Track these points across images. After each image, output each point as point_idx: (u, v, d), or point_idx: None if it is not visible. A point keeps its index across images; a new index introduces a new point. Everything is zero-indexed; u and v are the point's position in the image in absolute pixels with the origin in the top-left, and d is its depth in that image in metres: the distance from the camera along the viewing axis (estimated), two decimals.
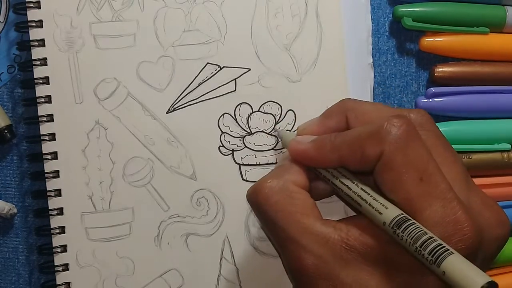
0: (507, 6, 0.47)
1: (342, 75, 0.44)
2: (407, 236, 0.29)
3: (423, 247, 0.29)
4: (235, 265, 0.43)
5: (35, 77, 0.42)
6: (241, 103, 0.44)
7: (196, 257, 0.43)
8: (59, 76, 0.43)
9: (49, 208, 0.42)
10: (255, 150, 0.44)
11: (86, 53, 0.43)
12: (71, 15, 0.43)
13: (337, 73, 0.44)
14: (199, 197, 0.43)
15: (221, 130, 0.44)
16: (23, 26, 0.43)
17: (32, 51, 0.42)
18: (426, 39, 0.46)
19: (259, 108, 0.44)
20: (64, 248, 0.42)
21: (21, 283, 0.44)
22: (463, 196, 0.32)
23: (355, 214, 0.36)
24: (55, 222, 0.42)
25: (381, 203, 0.31)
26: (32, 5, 0.42)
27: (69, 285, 0.42)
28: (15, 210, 0.44)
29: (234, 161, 0.44)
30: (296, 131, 0.39)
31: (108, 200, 0.43)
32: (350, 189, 0.33)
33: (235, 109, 0.44)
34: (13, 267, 0.44)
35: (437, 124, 0.45)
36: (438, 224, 0.30)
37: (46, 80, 0.42)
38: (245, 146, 0.44)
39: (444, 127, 0.46)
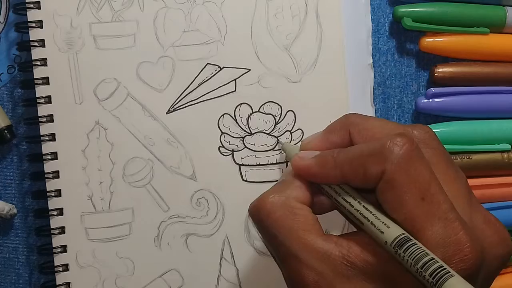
0: (507, 6, 0.47)
1: (342, 76, 0.44)
2: (408, 257, 0.29)
3: (424, 268, 0.29)
4: (235, 266, 0.43)
5: (35, 77, 0.42)
6: (241, 104, 0.44)
7: (196, 257, 0.43)
8: (59, 77, 0.43)
9: (49, 208, 0.42)
10: (255, 151, 0.44)
11: (86, 54, 0.43)
12: (71, 16, 0.43)
13: (337, 73, 0.44)
14: (199, 198, 0.43)
15: (221, 131, 0.44)
16: (23, 27, 0.43)
17: (32, 51, 0.42)
18: (426, 39, 0.46)
19: (259, 109, 0.44)
20: (64, 249, 0.42)
21: (21, 283, 0.44)
22: (465, 215, 0.31)
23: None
24: (55, 222, 0.42)
25: (383, 222, 0.31)
26: (32, 6, 0.42)
27: (69, 286, 0.42)
28: (15, 211, 0.44)
29: (234, 161, 0.44)
30: (299, 145, 0.39)
31: (108, 201, 0.43)
32: (353, 206, 0.33)
33: (235, 110, 0.44)
34: (13, 268, 0.45)
35: (437, 124, 0.46)
36: (439, 245, 0.30)
37: (46, 81, 0.42)
38: (245, 147, 0.44)
39: (444, 127, 0.46)
